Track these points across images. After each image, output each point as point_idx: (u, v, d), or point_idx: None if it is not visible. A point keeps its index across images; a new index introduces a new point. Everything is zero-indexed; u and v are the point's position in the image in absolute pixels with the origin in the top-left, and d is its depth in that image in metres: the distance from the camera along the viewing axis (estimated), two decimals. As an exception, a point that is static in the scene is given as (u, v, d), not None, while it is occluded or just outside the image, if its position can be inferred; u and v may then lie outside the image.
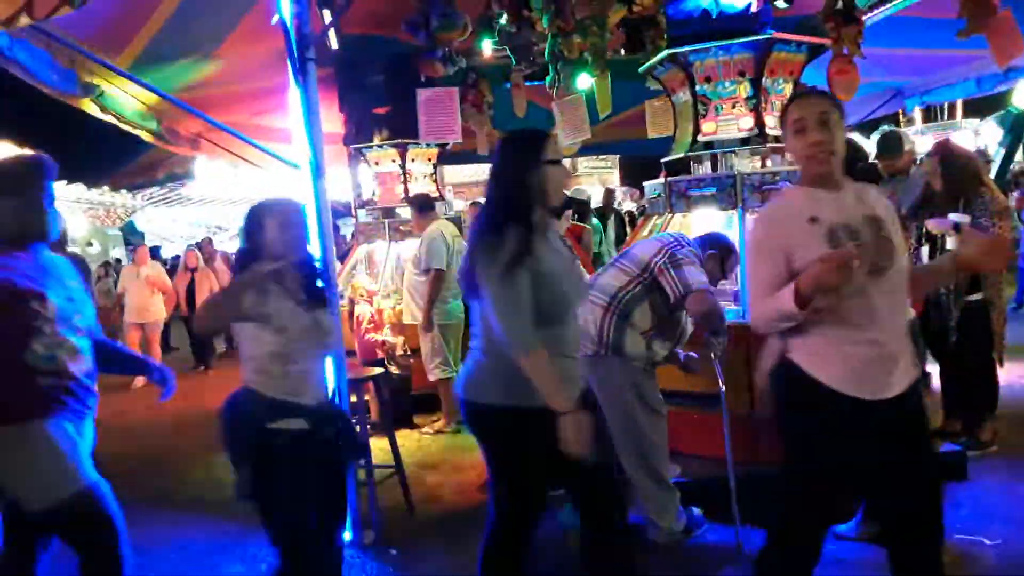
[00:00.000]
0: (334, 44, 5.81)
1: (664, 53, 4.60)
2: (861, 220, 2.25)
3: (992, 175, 7.51)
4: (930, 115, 12.93)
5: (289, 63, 3.57)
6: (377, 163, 7.08)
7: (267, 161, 6.07)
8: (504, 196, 2.48)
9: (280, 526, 2.59)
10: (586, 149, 8.77)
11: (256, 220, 2.64)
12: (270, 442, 2.51)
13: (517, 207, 2.43)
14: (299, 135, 3.71)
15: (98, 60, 4.09)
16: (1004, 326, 4.42)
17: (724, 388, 3.53)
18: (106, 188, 16.46)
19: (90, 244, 16.57)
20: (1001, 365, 4.50)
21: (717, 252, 3.65)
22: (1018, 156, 11.44)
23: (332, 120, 6.85)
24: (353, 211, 7.52)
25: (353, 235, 7.63)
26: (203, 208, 20.91)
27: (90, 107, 4.48)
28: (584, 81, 6.14)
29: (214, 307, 2.55)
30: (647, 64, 4.94)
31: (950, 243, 4.27)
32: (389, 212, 6.93)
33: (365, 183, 7.35)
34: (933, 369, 5.30)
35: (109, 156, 8.17)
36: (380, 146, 6.93)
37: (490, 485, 2.69)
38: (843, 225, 2.24)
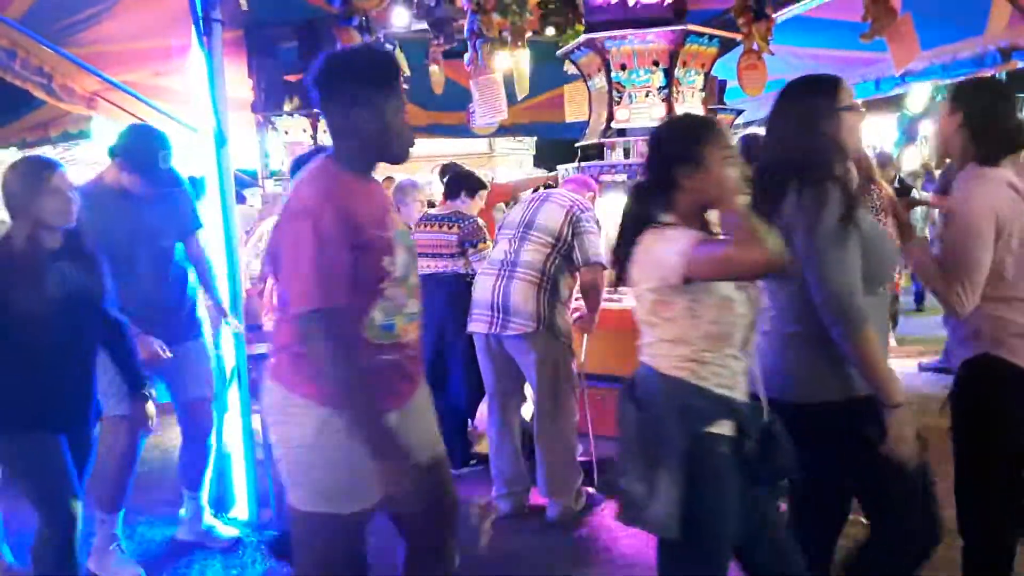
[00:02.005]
0: (244, 5, 5.58)
1: (582, 38, 4.62)
2: None
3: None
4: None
5: (193, 24, 3.41)
6: (287, 132, 6.88)
7: (168, 125, 5.81)
8: (803, 149, 2.08)
9: (705, 562, 1.94)
10: (504, 130, 8.75)
11: (688, 144, 1.93)
12: (703, 450, 1.88)
13: (819, 161, 2.05)
14: (202, 100, 3.56)
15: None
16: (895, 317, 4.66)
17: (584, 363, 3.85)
18: (-7, 144, 15.45)
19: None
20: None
21: (595, 193, 4.04)
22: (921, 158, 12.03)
23: (241, 84, 6.60)
24: (260, 181, 7.29)
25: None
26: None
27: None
28: (502, 61, 6.10)
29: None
30: (565, 48, 4.95)
31: None
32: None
33: (274, 152, 7.13)
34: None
35: (-3, 110, 7.65)
36: (290, 115, 6.72)
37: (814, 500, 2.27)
38: None
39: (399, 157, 2.05)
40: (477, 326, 3.66)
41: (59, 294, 2.51)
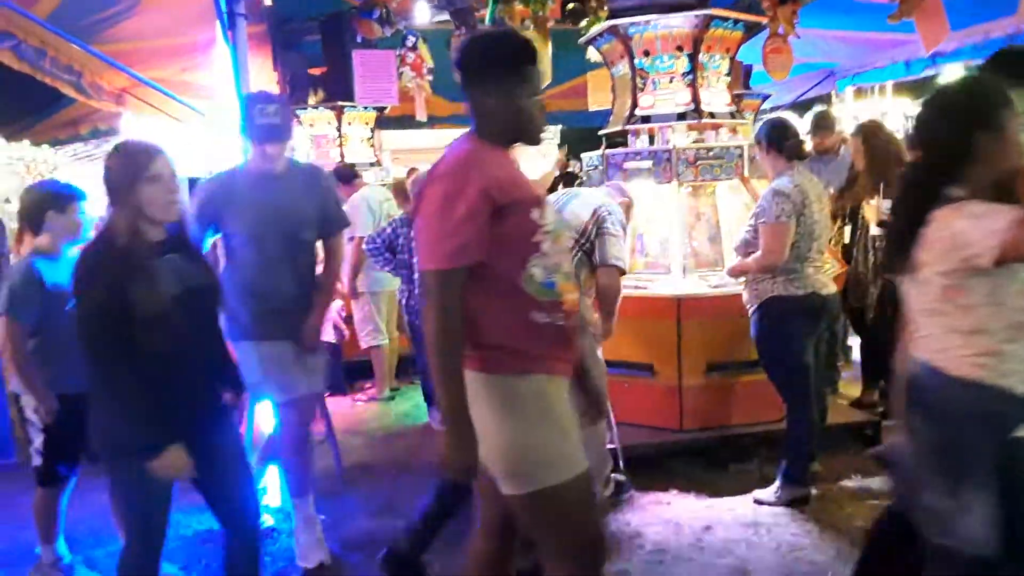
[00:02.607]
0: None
1: (605, 24, 4.60)
2: None
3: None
4: (861, 96, 13.28)
5: (218, 19, 3.45)
6: (312, 125, 6.93)
7: (196, 119, 5.88)
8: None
9: None
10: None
11: (988, 108, 1.76)
12: (1014, 459, 1.74)
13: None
14: (228, 94, 3.60)
15: (14, 7, 3.87)
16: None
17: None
18: (27, 142, 15.70)
19: (8, 201, 15.82)
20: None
21: (628, 200, 3.86)
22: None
23: (266, 78, 6.67)
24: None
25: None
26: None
27: (5, 56, 4.25)
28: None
29: None
30: (588, 35, 4.93)
31: (874, 229, 4.40)
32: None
33: (299, 145, 7.18)
34: (854, 342, 5.52)
35: (29, 109, 7.78)
36: (315, 107, 6.77)
37: None
38: None
39: (533, 139, 2.05)
40: None
41: (176, 291, 2.28)
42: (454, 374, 1.85)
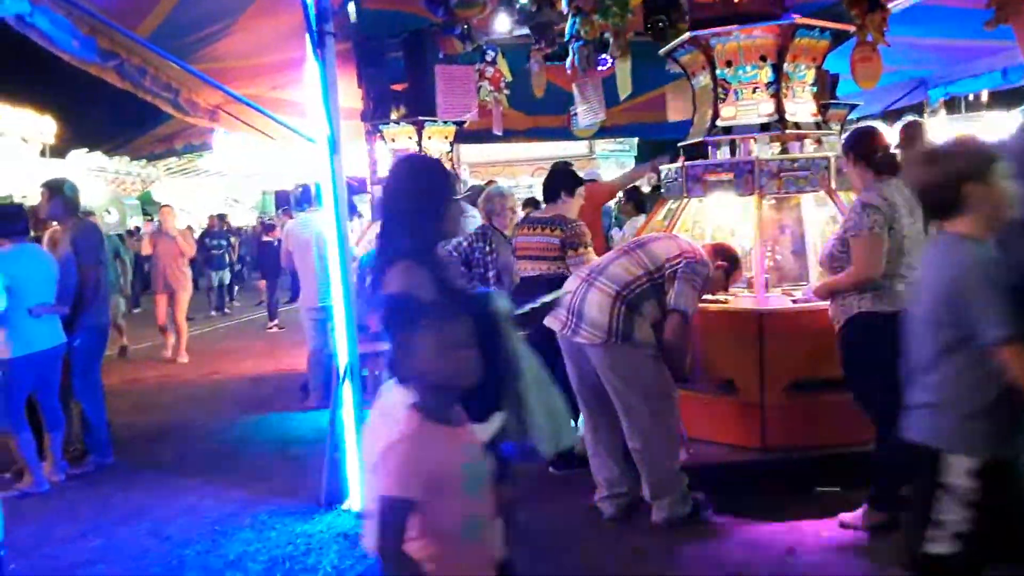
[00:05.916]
0: (353, 18, 5.79)
1: (685, 36, 4.56)
2: None
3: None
4: (954, 106, 12.78)
5: (308, 37, 3.57)
6: (394, 140, 7.07)
7: (284, 135, 6.08)
8: None
9: None
10: (604, 131, 8.75)
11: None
12: None
13: None
14: (316, 110, 3.72)
15: (118, 28, 4.09)
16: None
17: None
18: (125, 157, 16.62)
19: (108, 212, 16.72)
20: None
21: (727, 265, 3.71)
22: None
23: (351, 95, 6.85)
24: (369, 188, 7.53)
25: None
26: (221, 180, 21.03)
27: (109, 75, 4.49)
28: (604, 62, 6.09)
29: None
30: (668, 46, 4.89)
31: None
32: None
33: (382, 160, 7.35)
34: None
35: (128, 125, 8.23)
36: (397, 123, 6.92)
37: None
38: None
39: None
40: (553, 323, 3.68)
41: None
42: None
